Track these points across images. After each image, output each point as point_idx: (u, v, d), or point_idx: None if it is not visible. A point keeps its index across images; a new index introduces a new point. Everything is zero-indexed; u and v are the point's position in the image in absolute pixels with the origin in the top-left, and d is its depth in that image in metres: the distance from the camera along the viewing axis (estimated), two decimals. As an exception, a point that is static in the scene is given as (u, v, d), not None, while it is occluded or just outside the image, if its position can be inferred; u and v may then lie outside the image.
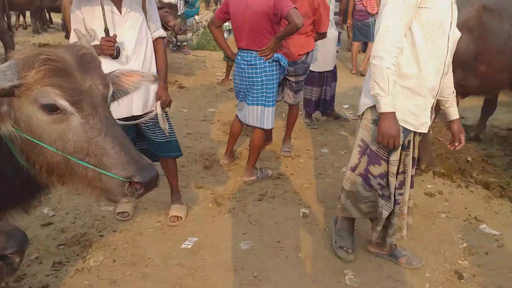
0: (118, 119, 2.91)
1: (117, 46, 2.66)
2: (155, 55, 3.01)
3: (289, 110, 4.67)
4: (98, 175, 1.38)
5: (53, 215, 3.31)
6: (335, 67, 5.44)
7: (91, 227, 3.19)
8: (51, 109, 1.35)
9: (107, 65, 2.78)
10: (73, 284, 2.60)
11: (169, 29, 6.70)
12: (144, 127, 3.05)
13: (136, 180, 1.35)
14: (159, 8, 6.28)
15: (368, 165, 2.57)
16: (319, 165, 4.42)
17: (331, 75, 5.34)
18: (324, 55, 5.10)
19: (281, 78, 3.82)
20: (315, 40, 4.35)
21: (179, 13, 7.92)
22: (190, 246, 2.99)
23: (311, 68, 5.10)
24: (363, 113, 2.56)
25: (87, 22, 2.72)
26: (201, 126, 5.40)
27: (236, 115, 3.99)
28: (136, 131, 3.15)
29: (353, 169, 2.66)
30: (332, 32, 5.09)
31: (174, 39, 9.15)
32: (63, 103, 1.35)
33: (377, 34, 2.29)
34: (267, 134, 4.79)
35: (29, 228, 3.11)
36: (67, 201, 3.51)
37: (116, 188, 1.37)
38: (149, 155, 3.28)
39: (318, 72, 5.23)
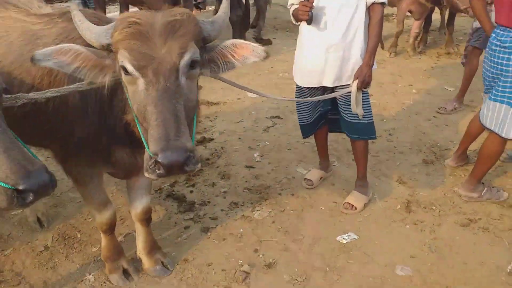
0: (308, 87, 2.83)
1: (310, 12, 2.47)
2: (369, 24, 2.62)
3: None
4: None
5: (258, 161, 3.68)
6: None
7: (277, 183, 3.36)
8: (125, 70, 1.45)
9: (305, 31, 2.71)
10: (231, 227, 2.88)
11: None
12: (337, 101, 2.82)
13: (159, 160, 1.32)
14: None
15: None
16: None
17: None
18: None
19: None
20: None
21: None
22: (344, 242, 2.69)
23: None
24: None
25: None
26: (458, 113, 4.42)
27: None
28: (332, 102, 2.95)
29: None
30: None
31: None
32: (129, 67, 1.43)
33: None
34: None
35: (237, 165, 3.61)
36: (275, 152, 3.80)
37: (145, 162, 1.38)
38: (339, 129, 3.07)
39: None
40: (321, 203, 3.09)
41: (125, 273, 2.41)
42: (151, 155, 1.35)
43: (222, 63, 1.68)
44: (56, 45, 1.59)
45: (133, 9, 6.26)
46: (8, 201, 1.29)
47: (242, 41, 1.70)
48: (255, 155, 3.74)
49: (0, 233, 2.78)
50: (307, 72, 2.81)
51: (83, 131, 1.90)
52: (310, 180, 3.28)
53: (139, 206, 2.38)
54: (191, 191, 3.25)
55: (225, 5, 1.77)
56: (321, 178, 3.32)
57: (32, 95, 1.71)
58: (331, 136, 3.41)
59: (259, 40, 6.93)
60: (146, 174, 1.40)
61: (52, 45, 1.83)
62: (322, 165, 3.37)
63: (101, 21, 1.78)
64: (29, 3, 2.30)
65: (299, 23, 2.82)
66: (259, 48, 1.64)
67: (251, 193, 3.24)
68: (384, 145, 3.81)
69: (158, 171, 1.36)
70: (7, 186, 1.27)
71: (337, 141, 3.85)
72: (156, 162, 1.34)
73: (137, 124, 1.52)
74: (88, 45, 1.59)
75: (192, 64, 1.51)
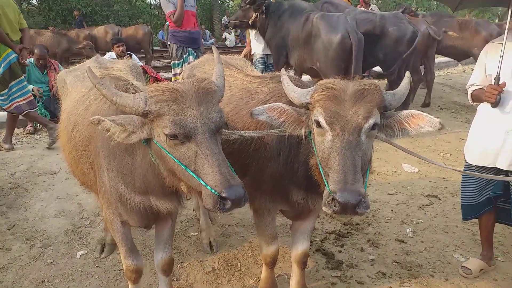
0: (478, 166, 2.79)
1: (498, 96, 2.51)
2: None
3: None
4: None
5: (410, 237, 3.61)
6: None
7: (430, 264, 3.25)
8: (318, 124, 1.79)
9: (483, 111, 2.78)
10: None
11: None
12: (511, 188, 2.69)
13: (336, 198, 1.58)
14: None
15: None
16: None
17: None
18: None
19: None
20: None
21: None
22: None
23: None
24: None
25: (487, 68, 2.73)
26: None
27: None
28: (504, 188, 2.82)
29: None
30: None
31: None
32: (322, 121, 1.76)
33: None
34: None
35: (387, 236, 3.62)
36: (430, 232, 3.68)
37: (324, 198, 1.67)
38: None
39: None
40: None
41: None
42: (330, 193, 1.60)
43: (397, 130, 1.86)
44: (268, 104, 1.99)
45: (304, 77, 7.02)
46: (213, 204, 1.61)
47: (419, 112, 1.86)
48: (408, 230, 3.69)
49: (180, 248, 3.38)
50: (480, 150, 2.79)
51: (272, 170, 2.26)
52: (468, 269, 3.08)
53: (300, 248, 2.61)
54: (340, 251, 3.38)
55: (406, 81, 2.00)
56: (481, 270, 3.08)
57: (242, 133, 2.17)
58: (498, 227, 3.19)
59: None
60: (324, 208, 1.63)
61: (263, 100, 2.32)
62: (484, 255, 3.14)
63: (303, 85, 2.17)
64: (244, 66, 2.93)
65: (476, 103, 2.84)
66: (434, 120, 1.79)
67: (401, 267, 3.20)
68: None
69: (334, 207, 1.58)
70: (215, 192, 1.60)
71: (504, 234, 3.54)
72: (333, 199, 1.58)
73: (319, 168, 1.80)
74: (290, 103, 1.96)
75: (373, 126, 1.75)
